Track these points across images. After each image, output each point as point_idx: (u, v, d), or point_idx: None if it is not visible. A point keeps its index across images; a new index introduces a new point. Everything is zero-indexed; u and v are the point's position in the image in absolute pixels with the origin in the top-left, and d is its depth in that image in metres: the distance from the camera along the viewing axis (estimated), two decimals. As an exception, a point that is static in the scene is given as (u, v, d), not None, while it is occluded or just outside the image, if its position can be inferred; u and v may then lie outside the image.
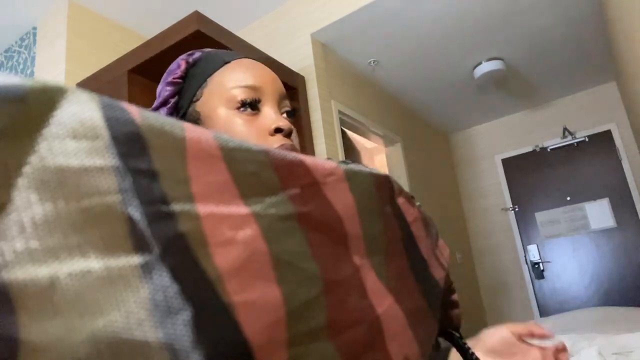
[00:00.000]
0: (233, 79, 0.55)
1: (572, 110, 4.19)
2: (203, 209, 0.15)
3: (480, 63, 3.38)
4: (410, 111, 4.00)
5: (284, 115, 0.58)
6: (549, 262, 4.12)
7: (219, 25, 1.82)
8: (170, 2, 2.60)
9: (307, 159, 0.19)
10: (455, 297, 0.34)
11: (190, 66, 0.58)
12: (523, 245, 4.27)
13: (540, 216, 4.21)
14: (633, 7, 1.83)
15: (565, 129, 4.16)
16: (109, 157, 0.16)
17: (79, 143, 0.16)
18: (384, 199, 0.22)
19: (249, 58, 0.60)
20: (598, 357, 1.29)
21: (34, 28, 2.60)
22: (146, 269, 0.15)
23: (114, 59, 2.21)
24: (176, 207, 0.15)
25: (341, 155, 2.64)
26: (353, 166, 0.22)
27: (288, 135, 0.54)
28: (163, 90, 0.57)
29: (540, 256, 4.17)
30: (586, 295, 3.91)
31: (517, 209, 4.35)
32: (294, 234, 0.16)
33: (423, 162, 3.95)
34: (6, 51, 2.75)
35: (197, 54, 0.59)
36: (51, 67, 2.39)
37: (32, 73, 2.53)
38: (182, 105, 0.57)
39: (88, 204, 0.15)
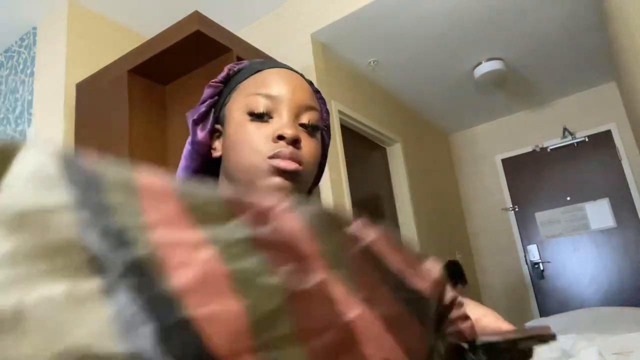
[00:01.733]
0: (255, 86, 0.57)
1: (572, 110, 4.19)
2: (159, 235, 0.16)
3: (480, 63, 3.38)
4: (410, 111, 4.01)
5: (303, 127, 0.57)
6: (549, 262, 4.12)
7: (219, 26, 1.82)
8: (170, 2, 2.61)
9: (257, 195, 0.21)
10: (462, 310, 0.32)
11: (234, 73, 0.62)
12: (523, 246, 4.27)
13: (540, 216, 4.21)
14: (633, 6, 1.83)
15: (565, 129, 4.16)
16: (67, 196, 0.18)
17: (37, 189, 0.17)
18: (334, 225, 0.23)
19: (287, 69, 0.61)
20: (598, 357, 1.29)
21: (34, 28, 2.60)
22: (108, 290, 0.16)
23: (114, 59, 2.21)
24: (132, 234, 0.17)
25: (341, 156, 2.65)
26: (299, 200, 0.23)
27: (293, 143, 0.54)
28: (205, 92, 0.62)
29: (540, 256, 4.17)
30: (586, 295, 3.91)
31: (517, 209, 4.35)
32: (251, 254, 0.17)
33: (423, 162, 3.95)
34: (6, 51, 2.75)
35: (243, 63, 0.63)
36: (51, 67, 2.39)
37: (32, 73, 2.53)
38: (218, 106, 0.61)
39: (50, 238, 0.16)
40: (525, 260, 4.23)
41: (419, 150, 3.92)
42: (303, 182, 0.57)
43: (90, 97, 2.10)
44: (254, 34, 2.89)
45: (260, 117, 0.56)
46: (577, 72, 3.75)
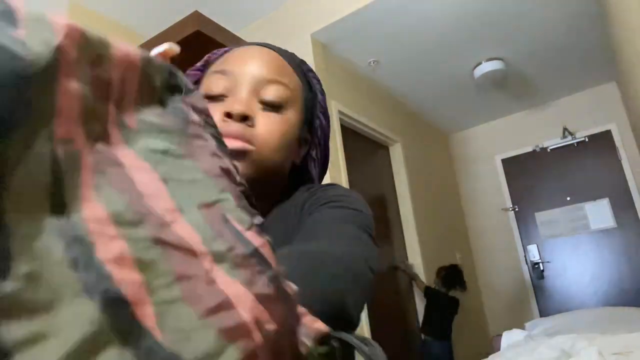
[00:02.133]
0: (216, 65, 0.55)
1: (572, 110, 4.19)
2: (91, 226, 0.23)
3: (480, 63, 3.38)
4: (410, 111, 4.01)
5: (264, 105, 0.52)
6: (549, 262, 4.13)
7: (219, 26, 1.82)
8: (170, 2, 2.61)
9: (166, 202, 0.27)
10: (309, 320, 0.37)
11: (214, 60, 0.59)
12: (523, 246, 4.27)
13: (540, 216, 4.21)
14: (633, 6, 1.83)
15: (565, 129, 4.16)
16: None
17: None
18: (225, 226, 0.30)
19: (254, 45, 0.57)
20: (598, 357, 1.29)
21: (34, 28, 2.61)
22: None
23: (114, 59, 2.21)
24: (75, 218, 0.22)
25: (341, 156, 2.65)
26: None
27: (240, 120, 0.49)
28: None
29: (540, 256, 4.17)
30: (586, 295, 3.91)
31: (517, 209, 4.35)
32: (152, 249, 0.24)
33: (423, 162, 3.95)
34: (6, 51, 2.75)
35: (223, 49, 0.61)
36: (51, 67, 2.40)
37: (32, 73, 2.53)
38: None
39: None
40: (525, 260, 4.24)
41: (419, 150, 3.92)
42: (261, 166, 0.50)
43: (90, 97, 2.10)
44: (254, 34, 2.89)
45: (215, 97, 0.52)
46: (577, 72, 3.75)
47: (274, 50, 0.57)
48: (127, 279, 0.22)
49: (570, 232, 4.05)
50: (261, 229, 0.33)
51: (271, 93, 0.52)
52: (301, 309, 0.36)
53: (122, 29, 2.72)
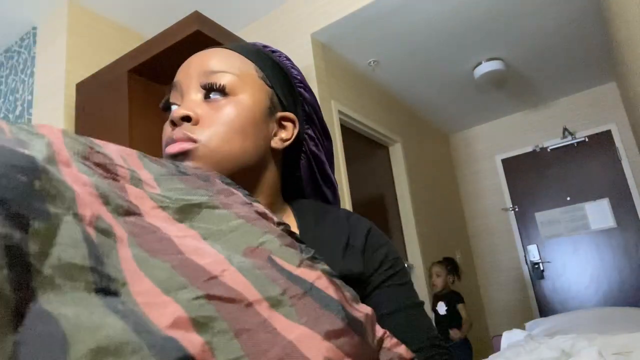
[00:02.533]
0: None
1: (572, 110, 4.19)
2: (140, 299, 0.23)
3: (480, 63, 3.38)
4: (410, 111, 4.01)
5: (209, 97, 0.51)
6: (549, 262, 4.13)
7: (219, 26, 1.82)
8: (170, 2, 2.61)
9: (211, 253, 0.28)
10: (394, 339, 0.38)
11: None
12: (523, 246, 4.27)
13: (540, 216, 4.21)
14: (633, 7, 1.83)
15: (565, 129, 4.16)
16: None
17: None
18: (274, 269, 0.30)
19: (211, 48, 0.57)
20: (598, 357, 1.29)
21: (34, 28, 2.60)
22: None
23: (114, 59, 2.21)
24: (125, 298, 0.22)
25: (341, 156, 2.65)
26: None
27: (186, 123, 0.49)
28: None
29: (540, 256, 4.17)
30: (586, 295, 3.91)
31: (517, 209, 4.35)
32: (205, 306, 0.24)
33: (423, 162, 3.95)
34: (6, 51, 2.75)
35: None
36: (51, 67, 2.39)
37: (32, 73, 2.53)
38: None
39: None
40: (525, 260, 4.23)
41: (419, 151, 3.92)
42: (215, 158, 0.48)
43: (90, 96, 2.10)
44: (254, 34, 2.89)
45: (167, 109, 0.53)
46: (577, 72, 3.75)
47: (219, 47, 0.56)
48: (188, 341, 0.22)
49: (570, 232, 4.05)
50: (313, 260, 0.32)
51: (211, 80, 0.51)
52: (381, 331, 0.35)
53: (122, 29, 2.72)
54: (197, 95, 0.51)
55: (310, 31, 2.66)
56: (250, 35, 2.88)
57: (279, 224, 0.35)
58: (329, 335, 0.27)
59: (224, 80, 0.51)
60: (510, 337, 2.36)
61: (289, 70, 0.61)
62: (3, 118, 2.61)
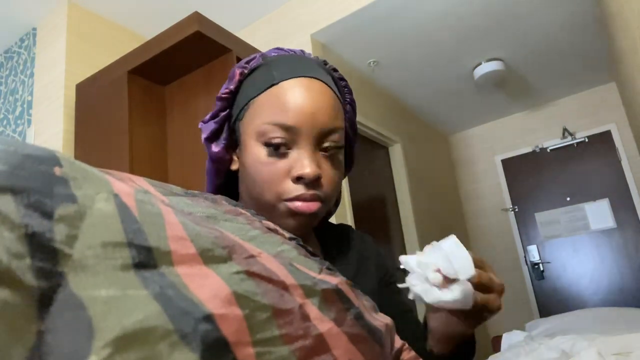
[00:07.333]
0: (268, 111, 0.51)
1: (572, 111, 4.19)
2: (181, 270, 0.23)
3: (480, 64, 3.38)
4: (410, 112, 4.01)
5: (325, 152, 0.52)
6: (549, 262, 4.12)
7: (219, 26, 1.82)
8: (170, 3, 2.61)
9: (244, 243, 0.28)
10: (412, 353, 0.39)
11: (246, 76, 0.56)
12: (523, 246, 4.27)
13: (540, 217, 4.21)
14: (633, 7, 1.83)
15: (565, 130, 4.17)
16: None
17: None
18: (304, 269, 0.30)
19: (303, 77, 0.52)
20: (598, 357, 1.29)
21: (34, 29, 2.60)
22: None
23: (114, 59, 2.21)
24: (165, 270, 0.22)
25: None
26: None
27: (314, 181, 0.50)
28: (216, 104, 0.56)
29: (540, 257, 4.17)
30: (586, 296, 3.91)
31: (516, 210, 4.35)
32: (246, 281, 0.23)
33: (423, 162, 3.95)
34: (6, 52, 2.75)
35: (255, 62, 0.56)
36: (51, 68, 2.39)
37: (32, 74, 2.53)
38: (232, 118, 0.56)
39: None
40: (525, 260, 4.23)
41: (418, 151, 3.92)
42: (322, 214, 0.53)
43: (90, 97, 2.10)
44: (253, 34, 2.89)
45: (276, 148, 0.50)
46: (577, 72, 3.75)
47: (325, 84, 0.53)
48: (229, 315, 0.22)
49: (570, 233, 4.05)
50: (334, 272, 0.33)
51: (333, 140, 0.52)
52: (399, 342, 0.36)
53: (122, 29, 2.72)
54: (316, 149, 0.51)
55: (310, 32, 2.66)
56: (250, 35, 2.88)
57: (291, 238, 0.35)
58: (354, 340, 0.28)
59: (340, 139, 0.53)
60: (510, 338, 2.35)
61: (349, 105, 0.61)
62: (3, 119, 2.61)
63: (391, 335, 0.35)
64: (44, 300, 0.18)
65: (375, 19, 2.67)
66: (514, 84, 3.80)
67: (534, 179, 4.30)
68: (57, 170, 0.21)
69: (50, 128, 2.28)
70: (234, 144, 0.56)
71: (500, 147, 4.54)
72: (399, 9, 2.60)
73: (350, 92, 0.61)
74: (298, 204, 0.49)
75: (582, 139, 4.10)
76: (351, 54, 2.99)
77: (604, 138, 4.01)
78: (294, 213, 0.49)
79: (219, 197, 0.39)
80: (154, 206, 0.24)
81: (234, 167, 0.57)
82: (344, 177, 0.63)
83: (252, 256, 0.26)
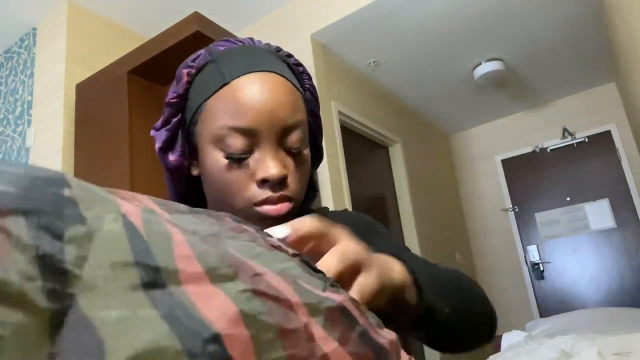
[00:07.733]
0: (223, 114, 0.47)
1: (572, 111, 4.19)
2: (189, 289, 0.23)
3: (480, 64, 3.38)
4: (410, 112, 4.01)
5: (287, 149, 0.49)
6: (549, 262, 4.13)
7: (218, 26, 1.82)
8: (170, 3, 2.61)
9: (249, 261, 0.28)
10: None
11: (194, 76, 0.53)
12: (523, 246, 4.27)
13: (540, 217, 4.21)
14: (633, 7, 1.83)
15: (564, 130, 4.17)
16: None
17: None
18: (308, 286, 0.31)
19: (255, 71, 0.49)
20: (598, 357, 1.29)
21: (34, 29, 2.61)
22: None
23: (114, 59, 2.21)
24: (173, 289, 0.23)
25: (341, 156, 2.65)
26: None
27: (280, 182, 0.48)
28: (164, 111, 0.53)
29: (540, 257, 4.17)
30: (586, 296, 3.91)
31: (516, 210, 4.35)
32: (252, 300, 0.24)
33: (423, 162, 3.95)
34: (6, 52, 2.75)
35: (201, 59, 0.53)
36: (51, 68, 2.39)
37: (32, 74, 2.53)
38: (186, 123, 0.52)
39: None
40: (525, 260, 4.23)
41: (418, 151, 3.92)
42: (295, 212, 0.51)
43: (90, 97, 2.10)
44: (254, 35, 2.89)
45: (237, 157, 0.47)
46: (577, 72, 3.75)
47: (281, 75, 0.50)
48: (236, 335, 0.22)
49: (570, 233, 4.05)
50: (338, 288, 0.33)
51: (295, 140, 0.49)
52: (406, 357, 0.36)
53: (122, 29, 2.72)
54: (279, 149, 0.49)
55: (310, 32, 2.66)
56: (250, 35, 2.88)
57: (295, 254, 0.35)
58: (358, 358, 0.28)
59: (303, 135, 0.50)
60: (510, 338, 2.36)
61: (309, 91, 0.58)
62: (3, 119, 2.61)
63: (397, 351, 0.35)
64: (55, 322, 0.18)
65: (375, 19, 2.67)
66: (514, 84, 3.80)
67: (534, 179, 4.30)
68: (66, 192, 0.22)
69: (50, 128, 2.28)
70: (191, 149, 0.53)
71: (500, 147, 4.55)
72: (399, 9, 2.60)
73: (310, 78, 0.57)
74: (266, 208, 0.47)
75: (582, 139, 4.10)
76: (351, 54, 2.99)
77: (604, 138, 4.01)
78: (263, 217, 0.48)
79: (222, 213, 0.40)
80: (160, 225, 0.25)
81: (195, 172, 0.54)
82: (314, 169, 0.61)
83: (257, 274, 0.26)
